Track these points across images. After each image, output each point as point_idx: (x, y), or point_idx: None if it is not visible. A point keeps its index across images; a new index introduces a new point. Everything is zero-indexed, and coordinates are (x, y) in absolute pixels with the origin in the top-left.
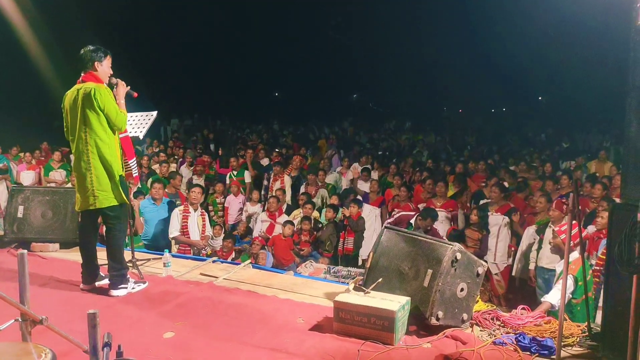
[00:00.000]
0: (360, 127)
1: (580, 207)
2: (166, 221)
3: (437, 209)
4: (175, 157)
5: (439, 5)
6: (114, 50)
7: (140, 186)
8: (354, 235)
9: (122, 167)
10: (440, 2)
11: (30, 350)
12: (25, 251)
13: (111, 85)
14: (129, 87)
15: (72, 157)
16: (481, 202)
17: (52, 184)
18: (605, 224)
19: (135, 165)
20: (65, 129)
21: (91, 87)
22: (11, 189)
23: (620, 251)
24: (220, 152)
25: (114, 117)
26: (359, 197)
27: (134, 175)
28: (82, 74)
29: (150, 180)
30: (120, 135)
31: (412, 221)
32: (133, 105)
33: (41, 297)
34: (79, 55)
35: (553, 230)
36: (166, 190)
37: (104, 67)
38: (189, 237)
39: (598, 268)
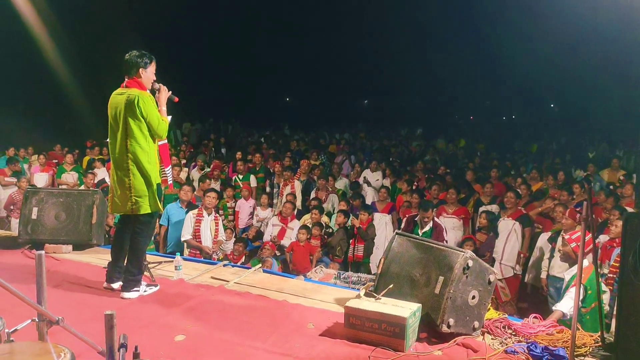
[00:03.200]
0: (372, 134)
1: (593, 216)
2: None
3: (448, 216)
4: (184, 161)
5: (451, 12)
6: (126, 53)
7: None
8: (364, 243)
9: (159, 175)
10: (453, 9)
11: (50, 350)
12: (43, 252)
13: (153, 91)
14: (170, 92)
15: (107, 164)
16: (480, 208)
17: (65, 186)
18: (618, 232)
19: (170, 172)
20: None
21: (135, 94)
22: (26, 191)
23: (634, 260)
24: (238, 156)
25: (155, 126)
26: (366, 202)
27: (169, 182)
28: (126, 79)
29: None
30: (159, 143)
31: (417, 219)
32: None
33: (54, 298)
34: (124, 59)
35: (563, 238)
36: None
37: (148, 73)
38: (201, 241)
39: (611, 276)
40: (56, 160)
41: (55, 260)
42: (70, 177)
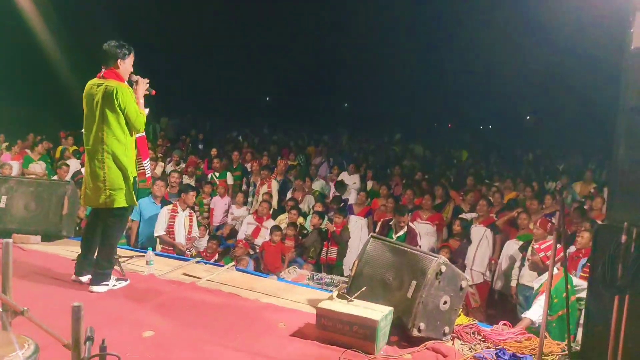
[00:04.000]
0: (352, 137)
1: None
2: None
3: (422, 222)
4: (160, 156)
5: (432, 21)
6: (103, 42)
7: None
8: (338, 246)
9: (136, 167)
10: (433, 18)
11: (12, 340)
12: (11, 240)
13: (131, 83)
14: (148, 84)
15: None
16: (460, 215)
17: (33, 176)
18: (585, 243)
19: (149, 165)
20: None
21: (113, 85)
22: None
23: (603, 272)
24: (214, 152)
25: (133, 119)
26: (343, 203)
27: (147, 175)
28: (103, 69)
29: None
30: (137, 135)
31: (392, 223)
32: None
33: (20, 289)
34: (103, 49)
35: (532, 247)
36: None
37: (127, 64)
38: (174, 237)
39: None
40: (28, 150)
41: (22, 251)
42: (38, 166)
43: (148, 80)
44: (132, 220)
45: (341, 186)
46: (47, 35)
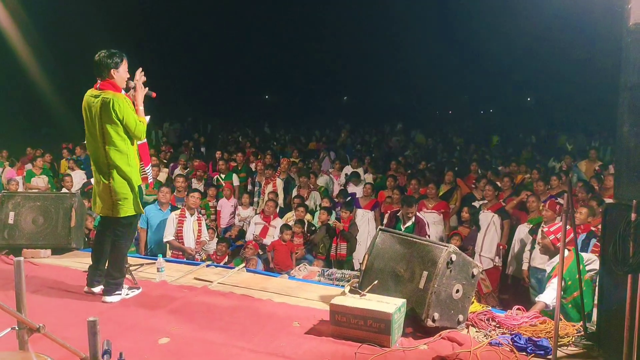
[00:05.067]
0: (353, 130)
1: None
2: None
3: (428, 211)
4: (165, 161)
5: (428, 7)
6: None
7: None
8: (347, 242)
9: (140, 174)
10: (430, 4)
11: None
12: (22, 258)
13: (128, 89)
14: (147, 88)
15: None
16: (473, 203)
17: (35, 190)
18: (583, 219)
19: (150, 171)
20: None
21: (109, 97)
22: (2, 195)
23: (614, 250)
24: (218, 155)
25: (133, 128)
26: (349, 198)
27: (149, 181)
28: (98, 80)
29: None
30: (138, 142)
31: (399, 214)
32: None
33: (34, 304)
34: (94, 61)
35: (542, 230)
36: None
37: (121, 72)
38: (183, 242)
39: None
40: (29, 164)
41: (33, 265)
42: (40, 180)
43: (145, 79)
44: (140, 228)
45: (356, 176)
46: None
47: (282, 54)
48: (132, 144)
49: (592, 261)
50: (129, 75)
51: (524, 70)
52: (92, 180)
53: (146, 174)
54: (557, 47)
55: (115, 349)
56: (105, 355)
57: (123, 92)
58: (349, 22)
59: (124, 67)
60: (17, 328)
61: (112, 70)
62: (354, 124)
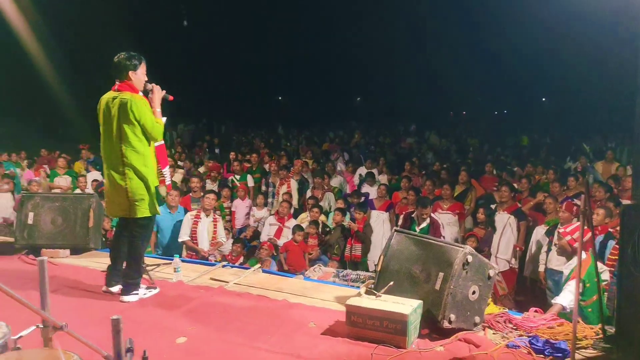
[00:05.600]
0: (366, 131)
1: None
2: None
3: (443, 212)
4: (180, 163)
5: (444, 9)
6: (116, 51)
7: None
8: (361, 243)
9: (157, 176)
10: (445, 6)
11: (59, 356)
12: (45, 258)
13: (146, 92)
14: (164, 91)
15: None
16: (492, 206)
17: (57, 190)
18: (600, 220)
19: (168, 173)
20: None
21: (127, 98)
22: (22, 196)
23: (633, 252)
24: (232, 156)
25: (150, 129)
26: (363, 198)
27: (167, 183)
28: (116, 82)
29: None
30: (155, 144)
31: (414, 215)
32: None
33: (54, 304)
34: (113, 62)
35: (558, 232)
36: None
37: (139, 75)
38: (197, 243)
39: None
40: (46, 165)
41: (52, 265)
42: (63, 180)
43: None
44: None
45: (371, 177)
46: (40, 49)
47: (296, 56)
48: (149, 145)
49: (603, 271)
50: (147, 78)
51: (539, 71)
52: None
53: (164, 176)
54: (573, 48)
55: (134, 348)
56: (128, 353)
57: (141, 93)
58: (363, 23)
59: (142, 69)
60: (41, 326)
61: (130, 72)
62: (367, 124)
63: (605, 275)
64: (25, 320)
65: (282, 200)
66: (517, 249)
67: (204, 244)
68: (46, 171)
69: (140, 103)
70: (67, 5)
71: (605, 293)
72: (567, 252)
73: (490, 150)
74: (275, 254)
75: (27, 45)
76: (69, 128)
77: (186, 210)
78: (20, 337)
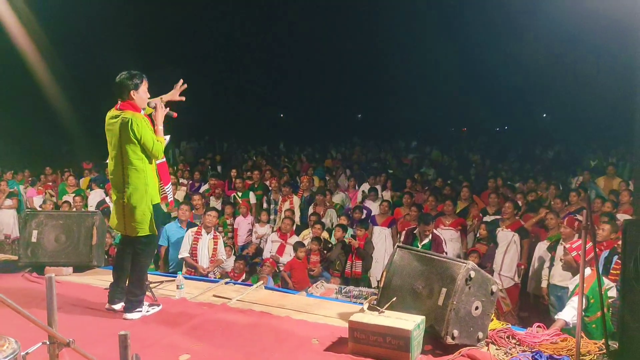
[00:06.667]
0: (367, 147)
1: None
2: None
3: (445, 228)
4: (183, 181)
5: (442, 25)
6: (118, 71)
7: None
8: (362, 260)
9: (159, 193)
10: (444, 19)
11: None
12: (53, 275)
13: (150, 110)
14: (167, 108)
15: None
16: (484, 218)
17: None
18: (605, 236)
19: (170, 190)
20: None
21: (128, 117)
22: (25, 214)
23: (636, 267)
24: (233, 173)
25: (150, 147)
26: (364, 214)
27: (169, 200)
28: (119, 101)
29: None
30: (157, 162)
31: (416, 231)
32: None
33: (58, 321)
34: (115, 82)
35: (564, 247)
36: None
37: (140, 93)
38: (197, 260)
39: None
40: (50, 183)
41: (56, 283)
42: (71, 199)
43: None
44: (160, 245)
45: (374, 191)
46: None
47: (297, 72)
48: (150, 162)
49: (610, 287)
50: (149, 96)
51: (539, 87)
52: (107, 200)
53: (165, 193)
54: (574, 64)
55: None
56: None
57: (142, 112)
58: (362, 39)
59: (143, 88)
60: (47, 343)
61: (132, 92)
62: (368, 140)
63: (613, 292)
64: (29, 337)
65: (285, 217)
66: (521, 267)
67: (203, 261)
68: (50, 191)
69: (141, 122)
70: (71, 24)
71: (611, 309)
72: (573, 267)
73: (492, 166)
74: (277, 270)
75: (31, 63)
76: (73, 146)
77: (191, 226)
78: (27, 353)
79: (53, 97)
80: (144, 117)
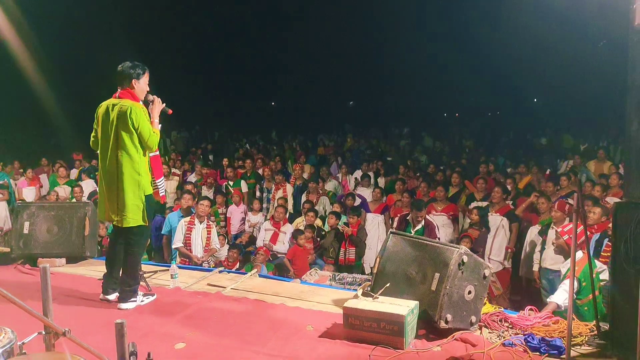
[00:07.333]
0: (360, 135)
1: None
2: None
3: (437, 214)
4: (175, 171)
5: (434, 11)
6: (114, 63)
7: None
8: (355, 247)
9: (151, 186)
10: (435, 6)
11: (67, 359)
12: (48, 265)
13: (147, 102)
14: (164, 104)
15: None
16: (472, 204)
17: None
18: (596, 219)
19: (163, 184)
20: (93, 139)
21: (128, 105)
22: (16, 205)
23: (626, 249)
24: (225, 162)
25: (146, 138)
26: (356, 202)
27: (161, 194)
28: (118, 89)
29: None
30: (150, 154)
31: (409, 218)
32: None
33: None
34: (117, 70)
35: (556, 231)
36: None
37: (141, 84)
38: (191, 249)
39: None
40: (44, 174)
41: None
42: (62, 190)
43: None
44: (163, 235)
45: (367, 178)
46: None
47: (288, 60)
48: (144, 154)
49: (602, 270)
50: (149, 89)
51: (530, 71)
52: (98, 189)
53: (158, 187)
54: (564, 48)
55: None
56: (132, 357)
57: (141, 103)
58: (354, 26)
59: (145, 79)
60: (43, 332)
61: (133, 81)
62: (360, 128)
63: (605, 275)
64: (24, 328)
65: (278, 205)
66: (509, 250)
67: (197, 251)
68: (40, 183)
69: (140, 111)
70: (61, 17)
71: (602, 291)
72: (565, 251)
73: (485, 151)
74: (271, 259)
75: (19, 55)
76: (62, 137)
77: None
78: (24, 343)
79: (41, 88)
80: (143, 107)
